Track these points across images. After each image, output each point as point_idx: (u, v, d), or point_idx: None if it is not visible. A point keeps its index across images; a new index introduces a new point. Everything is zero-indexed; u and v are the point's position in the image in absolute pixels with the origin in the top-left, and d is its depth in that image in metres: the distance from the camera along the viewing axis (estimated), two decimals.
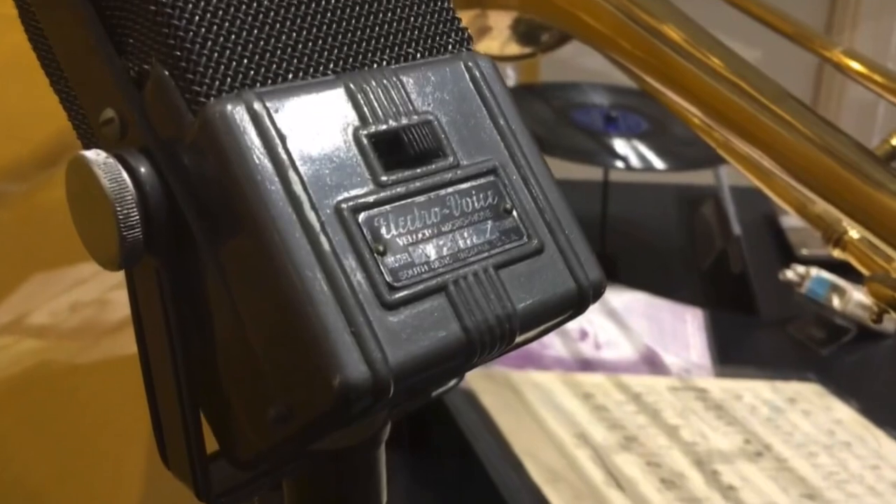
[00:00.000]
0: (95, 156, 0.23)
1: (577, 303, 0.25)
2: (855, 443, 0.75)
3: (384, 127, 0.24)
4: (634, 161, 0.91)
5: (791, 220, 1.01)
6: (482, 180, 0.25)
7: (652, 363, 0.82)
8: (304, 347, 0.21)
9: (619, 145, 0.92)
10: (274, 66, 0.23)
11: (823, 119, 0.47)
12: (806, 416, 0.77)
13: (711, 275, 0.96)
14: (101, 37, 0.24)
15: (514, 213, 0.25)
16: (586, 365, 0.79)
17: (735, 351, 0.86)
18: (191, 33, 0.23)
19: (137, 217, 0.23)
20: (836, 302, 0.86)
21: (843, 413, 0.78)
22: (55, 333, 0.75)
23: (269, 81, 0.23)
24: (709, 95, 0.51)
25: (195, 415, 0.25)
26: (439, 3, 0.26)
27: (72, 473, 0.71)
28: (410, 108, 0.24)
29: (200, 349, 0.25)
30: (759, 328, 0.91)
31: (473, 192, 0.24)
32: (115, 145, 0.24)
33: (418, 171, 0.24)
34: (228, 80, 0.23)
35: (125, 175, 0.23)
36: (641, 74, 0.54)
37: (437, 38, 0.26)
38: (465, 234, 0.24)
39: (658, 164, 0.91)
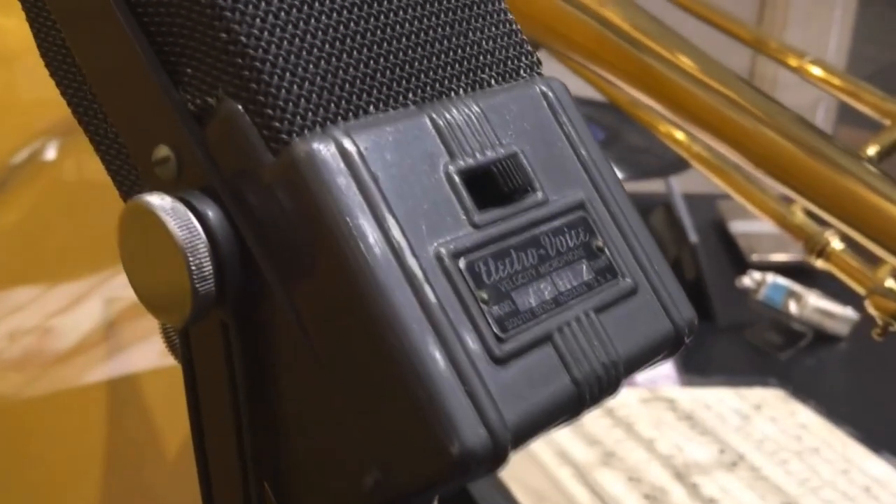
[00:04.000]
0: (160, 200, 0.20)
1: (672, 343, 0.24)
2: (822, 447, 0.75)
3: (472, 162, 0.22)
4: None
5: (740, 226, 1.02)
6: (572, 216, 0.23)
7: None
8: (415, 410, 0.19)
9: None
10: (355, 97, 0.21)
11: (804, 120, 0.47)
12: (773, 423, 0.78)
13: None
14: (154, 64, 0.21)
15: (607, 250, 0.23)
16: None
17: (696, 358, 0.87)
18: (268, 64, 0.20)
19: (211, 268, 0.20)
20: (792, 307, 0.87)
21: (807, 417, 0.79)
22: None
23: (351, 115, 0.21)
24: (693, 103, 0.50)
25: (259, 486, 0.23)
26: (509, 26, 0.25)
27: None
28: (495, 139, 0.23)
29: (267, 412, 0.22)
30: (717, 335, 0.92)
31: (566, 230, 0.23)
32: (172, 187, 0.21)
33: (511, 208, 0.22)
34: (310, 114, 0.20)
35: (195, 221, 0.20)
36: (617, 82, 0.53)
37: (510, 63, 0.24)
38: (563, 276, 0.22)
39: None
